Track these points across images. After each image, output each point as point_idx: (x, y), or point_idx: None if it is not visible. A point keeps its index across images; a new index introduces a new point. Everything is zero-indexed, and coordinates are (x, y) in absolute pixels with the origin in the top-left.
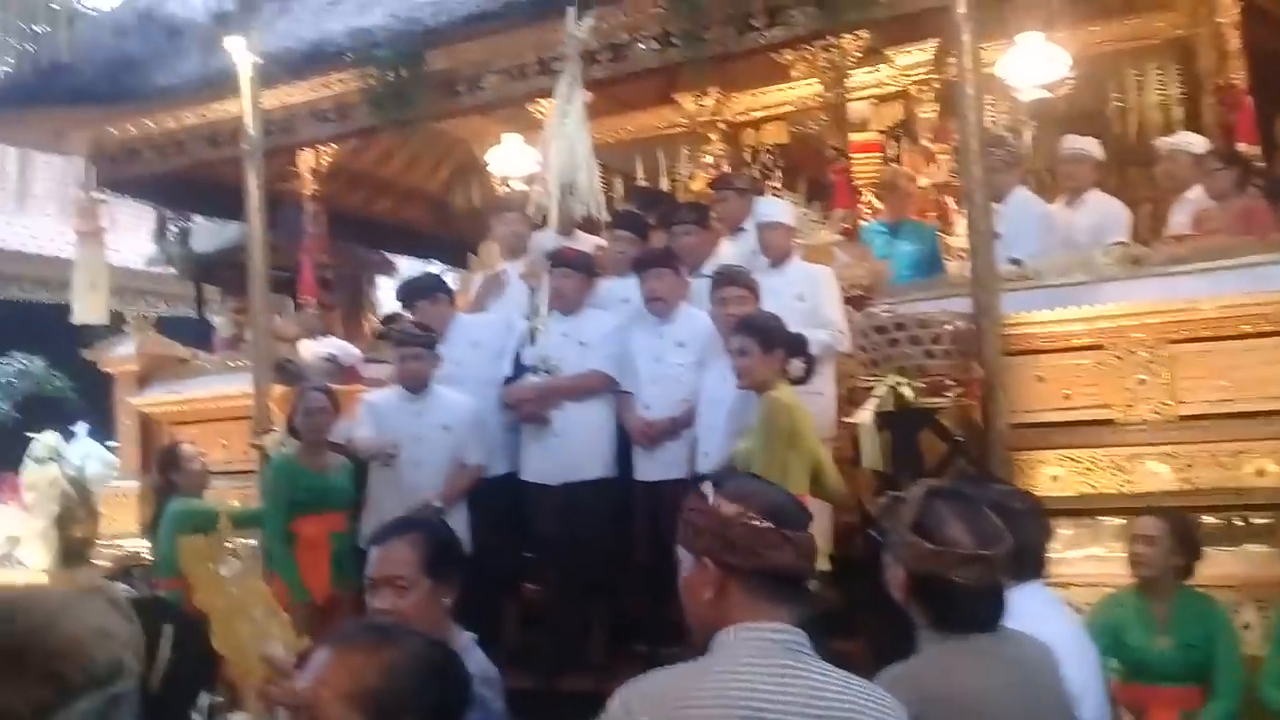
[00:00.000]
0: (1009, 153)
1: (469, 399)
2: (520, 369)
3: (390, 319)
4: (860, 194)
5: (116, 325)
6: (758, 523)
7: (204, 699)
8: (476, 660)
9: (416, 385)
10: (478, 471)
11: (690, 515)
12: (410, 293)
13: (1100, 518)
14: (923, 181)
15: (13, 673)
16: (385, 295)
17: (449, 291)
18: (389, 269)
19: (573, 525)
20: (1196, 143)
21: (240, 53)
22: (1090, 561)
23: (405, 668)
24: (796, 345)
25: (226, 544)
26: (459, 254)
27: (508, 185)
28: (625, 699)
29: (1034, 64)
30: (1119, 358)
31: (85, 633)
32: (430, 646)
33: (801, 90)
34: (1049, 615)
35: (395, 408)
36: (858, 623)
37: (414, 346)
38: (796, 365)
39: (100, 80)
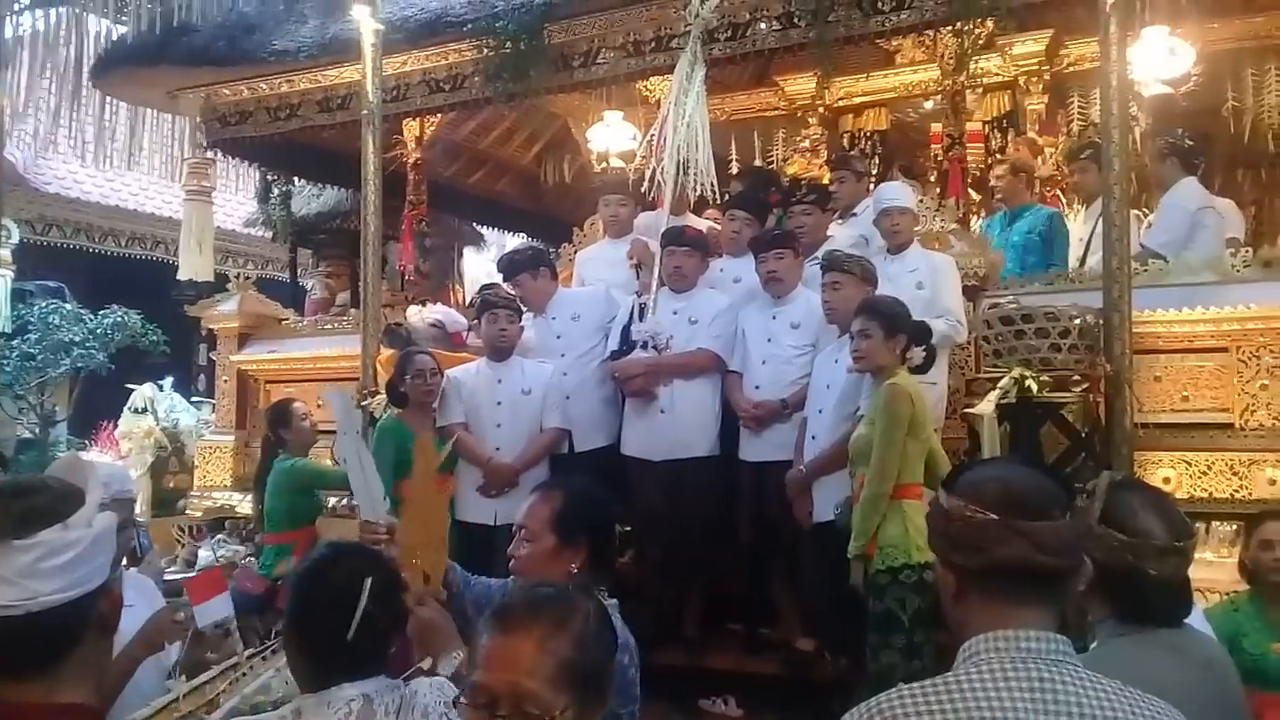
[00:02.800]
0: (1169, 143)
1: (548, 366)
2: (628, 344)
3: (488, 288)
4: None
5: (218, 284)
6: (979, 515)
7: None
8: (616, 625)
9: (502, 350)
10: (556, 434)
11: (927, 514)
12: (512, 265)
13: (1213, 523)
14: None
15: None
16: (473, 267)
17: (551, 265)
18: (479, 241)
19: (674, 501)
20: None
21: (365, 19)
22: (1200, 566)
23: (591, 633)
24: (920, 333)
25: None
26: (547, 229)
27: (606, 162)
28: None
29: (1158, 58)
30: (1242, 361)
31: None
32: (591, 601)
33: (906, 77)
34: (1195, 618)
35: (478, 376)
36: None
37: (501, 309)
38: (917, 353)
39: (218, 41)
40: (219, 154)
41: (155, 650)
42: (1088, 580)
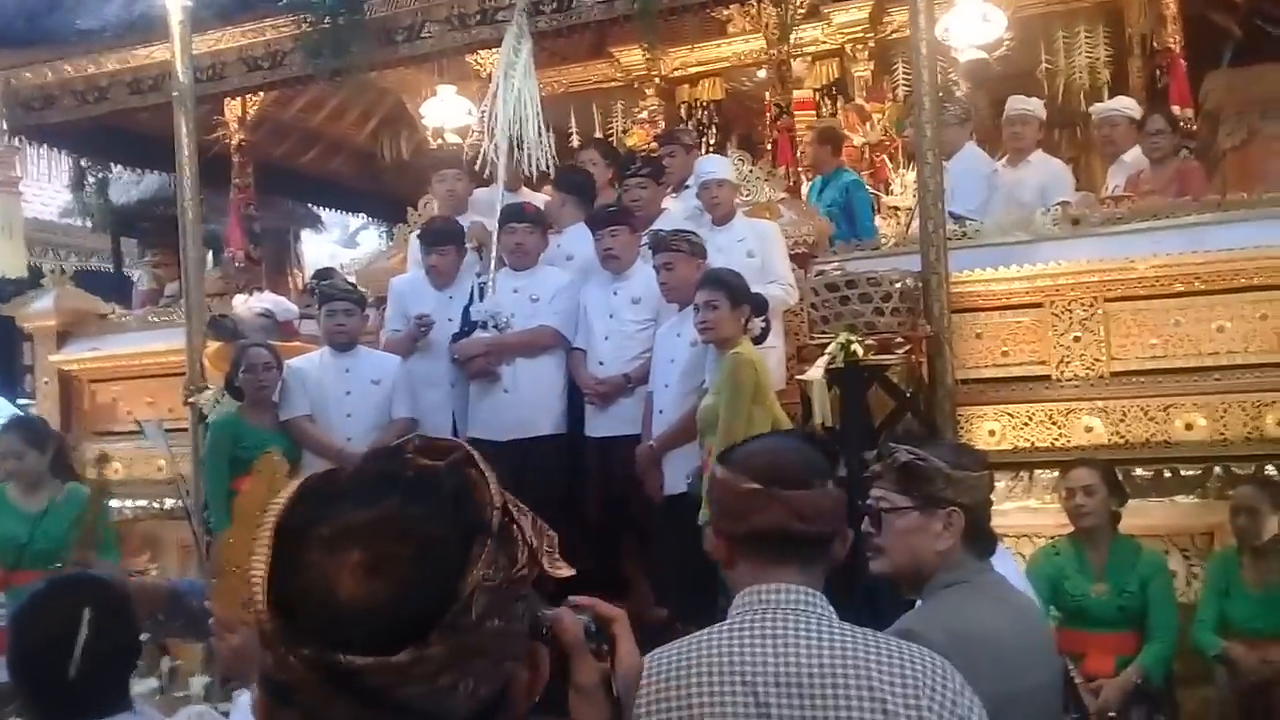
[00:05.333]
0: (962, 109)
1: (394, 356)
2: (469, 325)
3: (323, 274)
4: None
5: (33, 279)
6: (744, 485)
7: (165, 664)
8: None
9: (344, 343)
10: (406, 423)
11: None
12: (444, 234)
13: (1036, 471)
14: (857, 140)
15: None
16: (312, 250)
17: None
18: (315, 223)
19: (519, 481)
20: (1133, 107)
21: None
22: (1024, 513)
23: None
24: (759, 304)
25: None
26: (387, 209)
27: (441, 138)
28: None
29: (972, 24)
30: (1056, 315)
31: None
32: None
33: (738, 46)
34: (1007, 567)
35: (323, 367)
36: None
37: (342, 302)
38: (757, 324)
39: (15, 21)
40: (25, 141)
41: None
42: (957, 533)
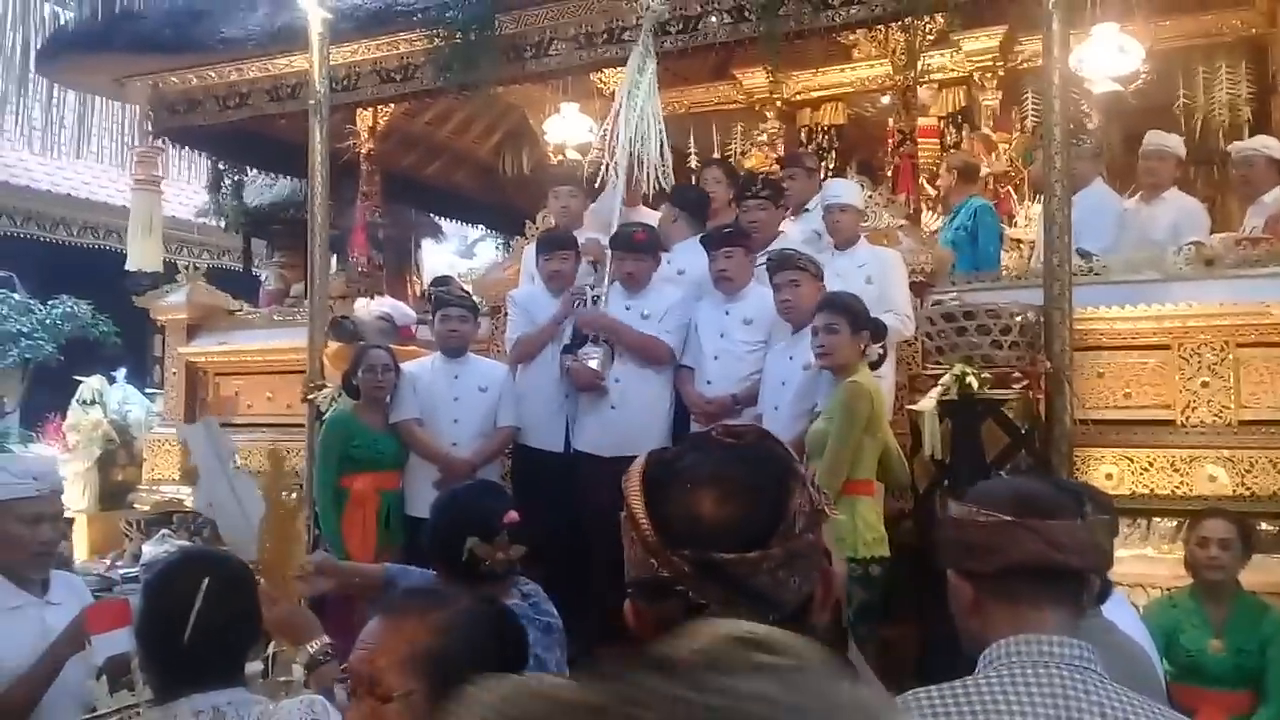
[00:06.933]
0: (1094, 143)
1: (501, 364)
2: (579, 339)
3: (440, 281)
4: (918, 179)
5: (167, 274)
6: (993, 517)
7: (270, 648)
8: (541, 609)
9: (456, 348)
10: (509, 432)
11: (937, 528)
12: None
13: (1154, 519)
14: (983, 170)
15: None
16: (431, 258)
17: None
18: (436, 233)
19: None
20: (1273, 146)
21: (312, 8)
22: (1140, 561)
23: (458, 625)
24: (879, 330)
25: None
26: (506, 221)
27: (563, 154)
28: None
29: (1107, 56)
30: (1184, 358)
31: None
32: (482, 603)
33: (862, 71)
34: (1124, 615)
35: (434, 372)
36: (910, 608)
37: (457, 308)
38: (874, 350)
39: (165, 29)
40: (169, 142)
41: (79, 648)
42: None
